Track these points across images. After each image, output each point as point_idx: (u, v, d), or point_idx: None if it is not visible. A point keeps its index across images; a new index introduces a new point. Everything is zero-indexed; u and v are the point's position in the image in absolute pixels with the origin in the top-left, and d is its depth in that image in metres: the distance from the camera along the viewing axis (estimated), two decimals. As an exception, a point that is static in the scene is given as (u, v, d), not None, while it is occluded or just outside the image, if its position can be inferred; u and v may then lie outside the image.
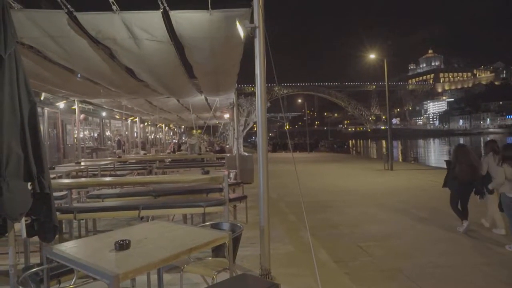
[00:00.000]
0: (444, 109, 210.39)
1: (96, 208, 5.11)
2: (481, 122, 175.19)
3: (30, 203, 2.71)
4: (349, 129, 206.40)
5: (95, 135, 21.62)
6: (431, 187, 11.30)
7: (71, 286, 2.72)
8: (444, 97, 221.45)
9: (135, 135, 23.24)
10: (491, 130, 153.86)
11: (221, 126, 29.79)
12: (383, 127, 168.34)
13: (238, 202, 6.65)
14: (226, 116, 17.32)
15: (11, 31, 2.67)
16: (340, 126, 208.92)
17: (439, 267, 4.80)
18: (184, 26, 4.55)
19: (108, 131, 23.99)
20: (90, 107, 15.67)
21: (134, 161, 12.23)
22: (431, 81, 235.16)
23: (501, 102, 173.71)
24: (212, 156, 14.34)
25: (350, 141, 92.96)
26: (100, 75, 7.16)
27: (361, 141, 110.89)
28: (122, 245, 2.38)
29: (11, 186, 2.55)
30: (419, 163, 27.43)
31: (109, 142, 22.43)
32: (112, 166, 10.23)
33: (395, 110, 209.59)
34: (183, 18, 4.34)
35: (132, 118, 20.35)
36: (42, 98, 11.61)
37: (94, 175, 8.35)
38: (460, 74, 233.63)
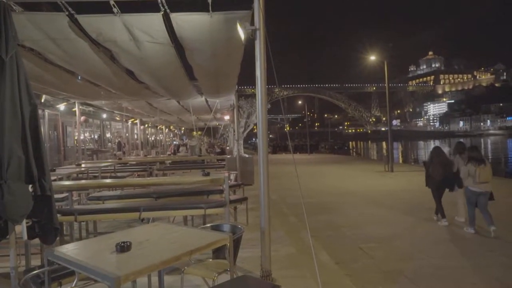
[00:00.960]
0: (444, 111, 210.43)
1: (97, 210, 5.12)
2: (482, 123, 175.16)
3: (31, 205, 2.72)
4: (350, 131, 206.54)
5: (96, 137, 21.63)
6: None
7: (72, 288, 2.72)
8: (444, 99, 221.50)
9: (136, 137, 23.25)
10: (491, 131, 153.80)
11: (222, 128, 29.79)
12: (383, 129, 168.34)
13: (238, 203, 6.64)
14: (227, 117, 17.31)
15: (12, 33, 2.68)
16: (341, 127, 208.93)
17: (440, 269, 4.80)
18: (185, 28, 4.56)
19: (109, 133, 23.99)
20: (91, 109, 15.66)
21: (134, 163, 12.24)
22: (431, 83, 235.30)
23: (501, 104, 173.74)
24: (213, 158, 14.35)
25: (350, 143, 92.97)
26: (100, 77, 7.18)
27: (362, 142, 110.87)
28: (123, 247, 2.39)
29: (12, 188, 2.56)
30: (419, 164, 27.41)
31: (110, 144, 22.43)
32: (113, 168, 10.23)
33: (396, 112, 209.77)
34: (184, 21, 4.35)
35: (132, 120, 20.37)
36: (42, 100, 11.62)
37: (95, 177, 8.36)
38: (461, 75, 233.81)
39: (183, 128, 37.28)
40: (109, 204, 5.51)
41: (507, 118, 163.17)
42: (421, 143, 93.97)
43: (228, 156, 13.56)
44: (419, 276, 4.57)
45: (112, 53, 5.46)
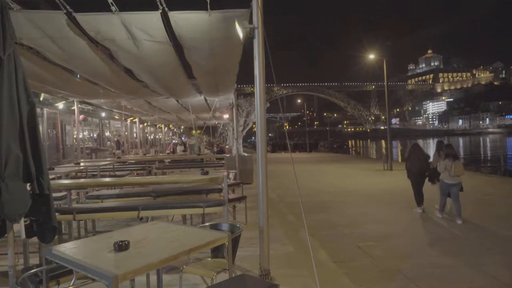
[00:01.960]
0: (443, 109, 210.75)
1: (96, 208, 5.11)
2: (481, 122, 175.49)
3: (29, 204, 2.71)
4: (349, 129, 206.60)
5: (95, 135, 21.61)
6: (430, 187, 11.30)
7: (70, 287, 2.72)
8: (443, 97, 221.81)
9: (135, 135, 23.23)
10: (490, 130, 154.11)
11: (221, 127, 29.81)
12: (382, 127, 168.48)
13: (237, 202, 6.65)
14: (226, 116, 17.32)
15: (10, 32, 2.67)
16: (340, 126, 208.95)
17: (438, 267, 4.81)
18: (183, 27, 4.55)
19: (108, 132, 23.97)
20: (90, 107, 15.65)
21: (133, 161, 12.23)
22: (430, 81, 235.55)
23: (500, 102, 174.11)
24: (212, 157, 14.35)
25: (349, 141, 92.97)
26: (99, 76, 7.16)
27: (361, 141, 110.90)
28: (121, 246, 2.38)
29: (10, 187, 2.55)
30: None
31: (109, 142, 22.41)
32: (112, 166, 10.22)
33: (395, 110, 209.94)
34: (182, 19, 4.34)
35: (131, 118, 20.34)
36: (41, 99, 11.60)
37: (94, 176, 8.35)
38: (460, 74, 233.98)
39: (182, 126, 37.25)
40: (108, 203, 5.50)
41: (506, 117, 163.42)
42: (420, 141, 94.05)
43: (227, 155, 13.57)
44: (418, 274, 4.58)
45: (111, 51, 5.45)
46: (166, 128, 32.29)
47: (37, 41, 4.87)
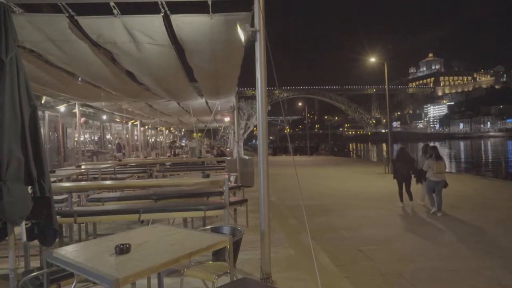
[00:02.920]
0: (444, 113, 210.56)
1: (97, 211, 5.11)
2: (482, 125, 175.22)
3: (31, 206, 2.71)
4: (350, 133, 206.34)
5: (96, 138, 21.62)
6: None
7: (71, 290, 2.71)
8: (444, 101, 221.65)
9: (136, 138, 23.24)
10: (491, 133, 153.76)
11: (222, 130, 29.81)
12: (383, 131, 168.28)
13: (238, 205, 6.63)
14: (227, 119, 17.30)
15: (12, 35, 2.68)
16: (341, 129, 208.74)
17: (440, 271, 4.78)
18: (185, 30, 4.56)
19: (109, 135, 23.99)
20: (91, 110, 15.66)
21: (134, 164, 12.23)
22: (431, 85, 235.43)
23: (501, 106, 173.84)
24: (213, 159, 14.35)
25: (350, 145, 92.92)
26: (101, 79, 7.17)
27: (362, 144, 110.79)
28: (122, 249, 2.38)
29: (12, 190, 2.55)
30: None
31: (110, 145, 22.42)
32: (113, 169, 10.22)
33: (396, 114, 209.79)
34: (184, 22, 4.35)
35: (132, 121, 20.36)
36: (42, 102, 11.62)
37: (95, 179, 8.35)
38: (461, 77, 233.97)
39: (183, 129, 37.28)
40: (109, 206, 5.50)
41: (507, 120, 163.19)
42: (421, 145, 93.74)
43: (228, 158, 13.56)
44: (419, 278, 4.56)
45: (112, 54, 5.46)
46: (167, 131, 32.31)
47: (39, 44, 4.88)
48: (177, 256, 2.37)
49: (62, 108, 12.99)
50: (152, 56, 5.47)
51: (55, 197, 4.73)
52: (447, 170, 8.78)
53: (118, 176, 9.47)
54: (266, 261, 3.98)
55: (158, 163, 11.89)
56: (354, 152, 62.49)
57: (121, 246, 2.38)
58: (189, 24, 4.43)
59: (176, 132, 40.98)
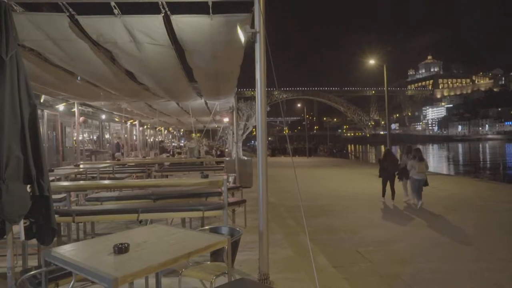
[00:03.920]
0: (443, 115, 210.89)
1: (95, 211, 5.10)
2: (480, 128, 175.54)
3: (29, 205, 2.71)
4: (348, 134, 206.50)
5: (95, 137, 21.58)
6: (430, 192, 11.28)
7: (69, 290, 2.71)
8: (443, 103, 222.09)
9: (134, 138, 23.22)
10: (489, 136, 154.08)
11: (221, 130, 29.80)
12: (382, 132, 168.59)
13: (237, 206, 6.64)
14: (226, 120, 17.32)
15: (13, 33, 2.68)
16: (339, 131, 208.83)
17: (438, 273, 4.80)
18: (185, 30, 4.57)
19: (108, 134, 23.96)
20: (90, 109, 15.63)
21: (133, 164, 12.22)
22: (430, 87, 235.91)
23: (499, 109, 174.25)
24: (212, 160, 14.35)
25: (349, 146, 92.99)
26: (100, 78, 7.18)
27: (360, 146, 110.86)
28: (121, 249, 2.38)
29: (10, 189, 2.55)
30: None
31: (108, 145, 22.38)
32: (111, 169, 10.21)
33: (394, 116, 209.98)
34: (184, 23, 4.36)
35: (131, 121, 20.34)
36: (42, 100, 11.59)
37: (93, 178, 8.34)
38: (459, 80, 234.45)
39: (182, 129, 37.27)
40: (107, 205, 5.49)
41: (505, 123, 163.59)
42: (420, 147, 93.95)
43: (227, 159, 13.57)
44: (417, 280, 4.57)
45: (112, 54, 5.47)
46: (166, 131, 32.28)
47: (39, 43, 4.89)
48: (176, 256, 2.37)
49: (61, 107, 12.97)
50: (152, 56, 5.47)
51: (54, 196, 4.73)
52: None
53: (117, 175, 9.46)
54: (264, 262, 3.98)
55: (157, 163, 11.88)
56: (353, 153, 62.55)
57: (120, 246, 2.39)
58: (189, 25, 4.44)
59: (175, 132, 40.96)
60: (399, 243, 6.21)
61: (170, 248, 2.55)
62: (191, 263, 3.30)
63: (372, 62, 22.31)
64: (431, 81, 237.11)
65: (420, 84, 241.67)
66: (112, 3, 3.91)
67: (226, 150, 21.55)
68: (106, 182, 6.92)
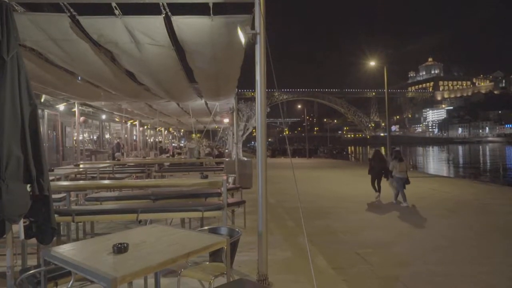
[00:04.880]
0: (443, 117, 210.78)
1: (95, 211, 5.11)
2: (480, 130, 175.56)
3: (29, 205, 2.72)
4: (349, 136, 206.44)
5: (95, 137, 21.59)
6: (430, 195, 11.31)
7: (68, 289, 2.71)
8: (443, 105, 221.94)
9: (134, 138, 23.23)
10: (490, 138, 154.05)
11: (221, 131, 29.82)
12: (382, 134, 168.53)
13: (236, 207, 6.64)
14: (226, 120, 17.31)
15: (14, 33, 2.69)
16: (340, 132, 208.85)
17: (437, 275, 4.80)
18: (186, 31, 4.58)
19: (108, 134, 23.97)
20: (90, 109, 15.65)
21: (133, 164, 12.23)
22: (430, 89, 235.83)
23: (500, 111, 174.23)
24: (211, 161, 14.35)
25: (349, 148, 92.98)
26: (101, 78, 7.19)
27: (360, 147, 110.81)
28: (120, 249, 2.39)
29: (10, 188, 2.56)
30: (418, 170, 27.44)
31: (108, 145, 22.39)
32: (111, 169, 10.23)
33: (395, 117, 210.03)
34: (185, 24, 4.38)
35: (131, 121, 20.35)
36: (42, 100, 11.62)
37: (93, 178, 8.35)
38: (460, 82, 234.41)
39: (182, 130, 37.28)
40: (107, 205, 5.50)
41: (506, 126, 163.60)
42: (420, 149, 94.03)
43: (227, 159, 13.57)
44: (416, 282, 4.57)
45: (113, 54, 5.48)
46: (166, 131, 32.29)
47: (40, 43, 4.90)
48: (175, 256, 2.38)
49: (61, 107, 12.98)
50: (153, 57, 5.49)
51: (54, 196, 4.74)
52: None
53: (117, 175, 9.47)
54: (263, 263, 3.99)
55: (157, 163, 11.89)
56: (353, 155, 62.54)
57: (119, 246, 2.39)
58: (190, 26, 4.45)
59: (175, 133, 40.98)
60: (398, 245, 6.21)
61: (169, 248, 2.56)
62: (190, 263, 3.30)
63: (373, 64, 22.33)
64: (431, 83, 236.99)
65: (420, 86, 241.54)
66: (113, 4, 3.93)
67: (226, 151, 21.54)
68: (106, 182, 6.93)
